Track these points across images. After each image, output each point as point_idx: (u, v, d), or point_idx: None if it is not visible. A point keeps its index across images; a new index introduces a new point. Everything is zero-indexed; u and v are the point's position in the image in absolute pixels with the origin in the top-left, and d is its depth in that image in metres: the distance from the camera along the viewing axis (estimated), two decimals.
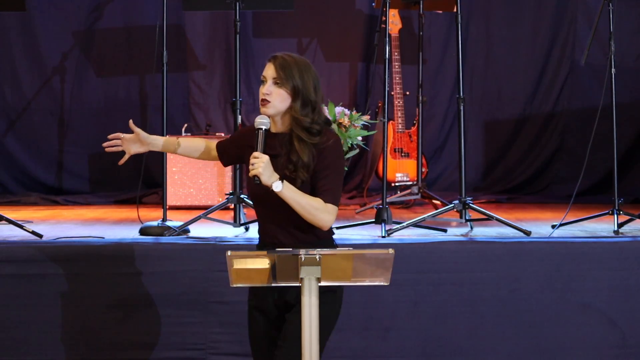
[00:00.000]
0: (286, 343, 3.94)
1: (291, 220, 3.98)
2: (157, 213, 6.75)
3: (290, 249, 3.66)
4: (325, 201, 3.94)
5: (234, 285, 3.63)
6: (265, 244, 4.04)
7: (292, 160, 3.97)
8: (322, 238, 4.04)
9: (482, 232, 6.40)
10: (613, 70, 6.46)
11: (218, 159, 4.30)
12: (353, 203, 8.60)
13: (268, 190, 3.90)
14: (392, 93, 8.23)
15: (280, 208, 3.94)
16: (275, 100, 4.01)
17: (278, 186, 3.88)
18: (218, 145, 4.29)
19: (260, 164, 3.87)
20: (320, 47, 9.24)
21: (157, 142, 4.34)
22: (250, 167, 3.88)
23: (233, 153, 4.26)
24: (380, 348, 5.66)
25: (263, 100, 4.02)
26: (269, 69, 4.04)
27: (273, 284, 3.61)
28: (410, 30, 8.86)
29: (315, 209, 3.93)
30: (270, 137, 4.01)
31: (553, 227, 6.39)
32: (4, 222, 6.22)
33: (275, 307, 4.03)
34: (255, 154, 3.90)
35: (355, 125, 5.86)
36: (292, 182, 3.94)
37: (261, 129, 3.97)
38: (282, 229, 4.01)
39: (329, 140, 4.00)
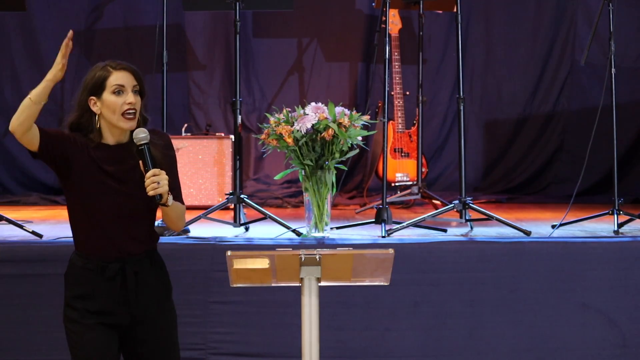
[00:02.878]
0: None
1: (143, 230, 3.87)
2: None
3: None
4: (183, 202, 3.89)
5: (234, 285, 3.63)
6: (105, 259, 3.79)
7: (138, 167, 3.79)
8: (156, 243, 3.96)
9: (482, 232, 6.40)
10: (613, 70, 6.46)
11: (29, 140, 3.95)
12: (353, 203, 8.61)
13: (125, 202, 3.77)
14: (392, 93, 8.22)
15: (137, 218, 3.82)
16: (138, 109, 3.83)
17: (171, 199, 3.76)
18: (42, 131, 3.94)
19: (165, 181, 3.69)
20: (320, 47, 9.24)
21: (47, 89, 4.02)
22: (153, 185, 3.67)
23: (56, 147, 3.86)
24: (380, 348, 5.66)
25: (130, 111, 3.79)
26: (126, 77, 3.84)
27: (273, 284, 3.61)
28: (410, 30, 8.86)
29: (184, 213, 3.90)
30: (106, 150, 3.81)
31: (553, 227, 6.39)
32: (4, 222, 6.22)
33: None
34: (154, 171, 3.69)
35: (355, 125, 5.86)
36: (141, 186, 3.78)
37: (147, 143, 3.74)
38: (134, 240, 3.84)
39: (163, 136, 3.91)
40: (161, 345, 3.92)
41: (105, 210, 3.78)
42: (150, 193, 3.70)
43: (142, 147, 3.75)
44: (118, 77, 3.82)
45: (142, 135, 3.76)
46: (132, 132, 3.81)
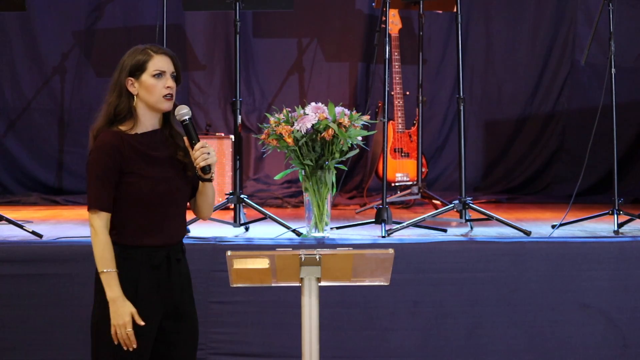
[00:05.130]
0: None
1: (184, 216, 3.95)
2: None
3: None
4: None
5: (234, 285, 3.63)
6: (152, 247, 3.83)
7: (184, 148, 3.90)
8: None
9: (482, 232, 6.40)
10: (613, 70, 6.46)
11: None
12: (353, 203, 8.61)
13: (171, 186, 3.83)
14: (392, 93, 8.23)
15: (180, 202, 3.90)
16: (174, 95, 3.90)
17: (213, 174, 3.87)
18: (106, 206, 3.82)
19: (214, 152, 3.82)
20: (320, 47, 9.24)
21: None
22: (203, 156, 3.79)
23: (115, 179, 3.82)
24: (380, 348, 5.66)
25: (169, 95, 3.86)
26: (166, 62, 3.89)
27: (273, 284, 3.61)
28: (410, 30, 8.86)
29: (215, 196, 4.01)
30: (148, 136, 3.88)
31: (553, 227, 6.39)
32: (4, 222, 6.22)
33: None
34: (202, 142, 3.81)
35: (355, 125, 5.86)
36: (189, 166, 3.90)
37: (190, 118, 3.86)
38: (178, 226, 3.92)
39: None
40: (190, 342, 3.95)
41: (155, 196, 3.83)
42: (202, 164, 3.80)
43: (186, 121, 3.86)
44: (159, 61, 3.88)
45: (184, 110, 3.87)
46: (164, 117, 3.92)
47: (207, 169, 3.83)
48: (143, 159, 3.83)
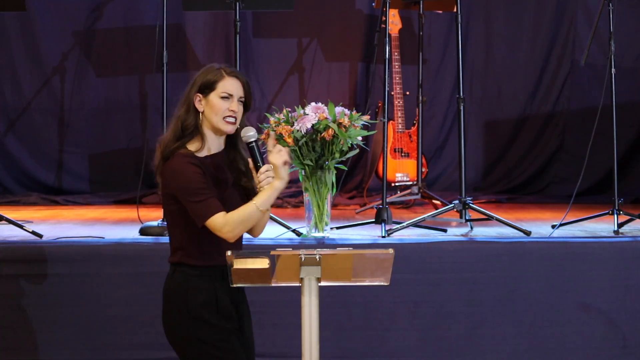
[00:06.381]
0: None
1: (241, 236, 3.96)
2: (157, 213, 6.74)
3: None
4: None
5: (234, 285, 3.63)
6: (222, 263, 3.78)
7: (246, 173, 3.92)
8: None
9: (482, 232, 6.40)
10: (613, 70, 6.46)
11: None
12: (353, 203, 8.61)
13: (236, 205, 3.82)
14: (392, 93, 8.22)
15: None
16: (239, 119, 3.91)
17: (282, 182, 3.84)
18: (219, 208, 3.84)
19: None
20: (320, 47, 9.24)
21: None
22: (268, 180, 3.79)
23: None
24: (380, 348, 5.66)
25: (230, 117, 3.87)
26: (236, 86, 3.90)
27: (273, 284, 3.61)
28: (410, 30, 8.86)
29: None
30: (214, 158, 3.90)
31: (553, 227, 6.39)
32: (4, 222, 6.22)
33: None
34: (267, 166, 3.80)
35: (355, 125, 5.86)
36: (252, 192, 3.91)
37: (256, 140, 3.87)
38: (239, 242, 3.94)
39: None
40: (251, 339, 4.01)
41: None
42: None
43: (252, 144, 3.86)
44: (229, 84, 3.90)
45: (251, 132, 3.88)
46: (227, 139, 3.93)
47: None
48: (215, 180, 3.85)
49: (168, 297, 3.87)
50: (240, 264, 3.55)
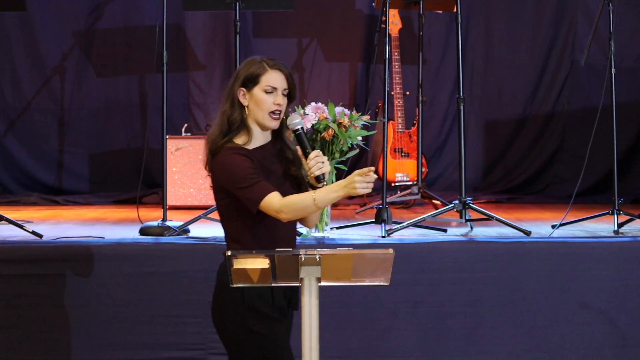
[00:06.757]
0: None
1: (295, 226, 3.97)
2: (157, 213, 6.75)
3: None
4: None
5: (234, 285, 3.63)
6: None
7: (295, 162, 3.91)
8: None
9: (482, 232, 6.40)
10: (613, 70, 6.46)
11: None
12: (353, 203, 8.60)
13: (293, 190, 3.84)
14: (392, 93, 8.23)
15: None
16: (283, 112, 3.89)
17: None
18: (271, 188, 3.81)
19: (327, 160, 3.79)
20: (320, 47, 9.24)
21: None
22: (318, 165, 3.76)
23: None
24: (380, 348, 5.66)
25: (276, 112, 3.85)
26: (280, 78, 3.87)
27: (273, 284, 3.60)
28: (410, 30, 8.86)
29: None
30: (262, 150, 3.88)
31: (553, 227, 6.39)
32: (4, 222, 6.22)
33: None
34: (316, 152, 3.79)
35: (355, 125, 5.86)
36: (302, 181, 3.90)
37: (302, 127, 3.85)
38: (294, 233, 3.96)
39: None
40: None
41: None
42: (316, 173, 3.77)
43: (299, 131, 3.84)
44: (272, 77, 3.86)
45: (296, 120, 3.85)
46: (273, 130, 3.90)
47: (320, 177, 3.79)
48: (264, 171, 3.82)
49: (223, 287, 3.86)
50: (240, 264, 3.55)
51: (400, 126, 8.34)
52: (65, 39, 9.08)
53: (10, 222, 6.19)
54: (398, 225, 6.22)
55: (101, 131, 9.21)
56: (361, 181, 3.67)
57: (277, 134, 3.93)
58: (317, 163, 3.78)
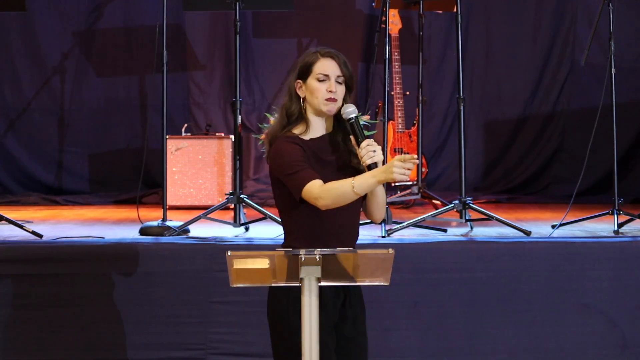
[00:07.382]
0: None
1: (357, 219, 3.90)
2: (157, 213, 6.75)
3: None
4: None
5: (234, 285, 3.63)
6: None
7: (353, 153, 3.86)
8: None
9: (482, 232, 6.40)
10: (613, 70, 6.46)
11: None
12: None
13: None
14: (392, 93, 8.22)
15: (354, 208, 3.84)
16: (339, 99, 3.85)
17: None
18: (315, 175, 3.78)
19: (379, 149, 3.74)
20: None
21: None
22: (369, 154, 3.71)
23: None
24: (380, 348, 5.66)
25: (330, 99, 3.82)
26: (332, 66, 3.86)
27: (273, 284, 3.60)
28: (410, 30, 8.86)
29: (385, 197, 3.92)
30: (319, 141, 3.85)
31: (553, 227, 6.39)
32: (4, 222, 6.23)
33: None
34: (368, 141, 3.75)
35: None
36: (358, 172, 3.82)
37: (356, 116, 3.81)
38: (353, 229, 3.89)
39: None
40: (360, 342, 4.00)
41: None
42: (368, 162, 3.72)
43: (352, 120, 3.81)
44: (323, 65, 3.86)
45: (350, 109, 3.83)
46: (335, 121, 3.87)
47: (372, 166, 3.74)
48: (318, 161, 3.80)
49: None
50: (240, 263, 3.55)
51: (400, 126, 8.34)
52: (65, 39, 9.08)
53: (10, 222, 6.19)
54: (398, 225, 6.22)
55: (101, 131, 9.21)
56: (400, 166, 3.64)
57: (339, 126, 3.90)
58: (369, 152, 3.74)
